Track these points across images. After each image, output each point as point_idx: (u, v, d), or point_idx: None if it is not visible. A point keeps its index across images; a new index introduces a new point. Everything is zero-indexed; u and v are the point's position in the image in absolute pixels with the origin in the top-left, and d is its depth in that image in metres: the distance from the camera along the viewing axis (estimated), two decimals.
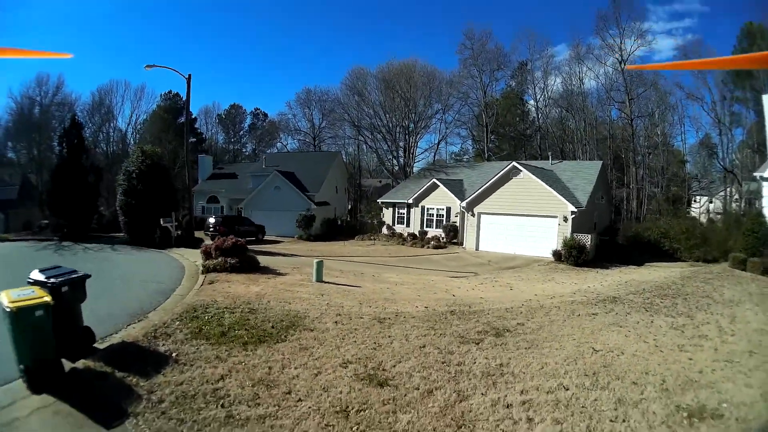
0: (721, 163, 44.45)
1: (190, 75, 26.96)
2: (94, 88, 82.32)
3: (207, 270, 16.19)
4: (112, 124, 60.80)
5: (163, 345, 8.65)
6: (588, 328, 10.81)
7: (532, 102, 58.27)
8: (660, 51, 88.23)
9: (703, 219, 40.11)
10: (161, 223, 25.96)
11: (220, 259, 16.56)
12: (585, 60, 52.65)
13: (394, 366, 7.89)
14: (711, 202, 45.43)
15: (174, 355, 8.19)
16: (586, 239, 23.89)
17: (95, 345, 8.31)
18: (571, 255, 23.03)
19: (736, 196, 41.93)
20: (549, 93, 55.93)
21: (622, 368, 8.20)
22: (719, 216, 38.91)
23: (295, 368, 7.66)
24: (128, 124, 62.07)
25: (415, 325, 10.30)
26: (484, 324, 10.71)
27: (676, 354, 9.00)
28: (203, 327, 9.67)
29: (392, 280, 17.29)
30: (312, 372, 7.53)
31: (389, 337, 9.34)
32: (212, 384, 7.09)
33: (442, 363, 8.11)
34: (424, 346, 8.82)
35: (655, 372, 8.05)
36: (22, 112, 51.14)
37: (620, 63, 48.77)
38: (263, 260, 19.25)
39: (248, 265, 16.82)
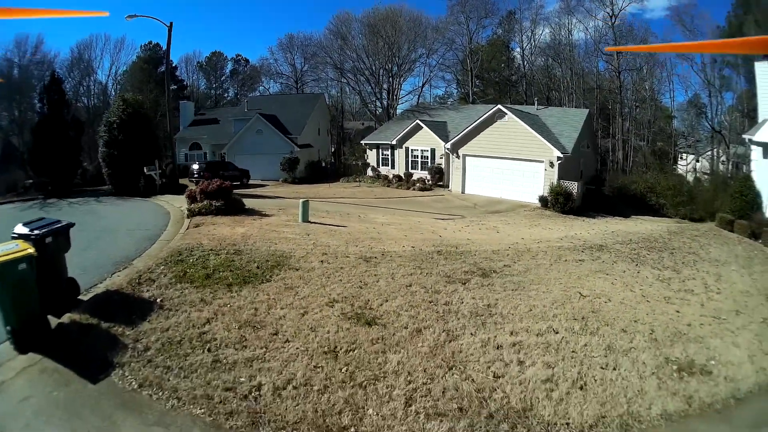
0: (710, 123, 44.01)
1: (171, 23, 26.13)
2: (72, 43, 79.32)
3: (192, 213, 15.95)
4: (92, 78, 58.29)
5: (148, 291, 8.58)
6: (575, 274, 10.90)
7: (518, 50, 56.92)
8: (652, 9, 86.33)
9: (690, 177, 39.81)
10: (145, 171, 25.37)
11: (205, 202, 16.30)
12: (575, 12, 50.91)
13: (381, 305, 7.92)
14: (698, 161, 45.22)
15: (159, 300, 8.15)
16: (573, 186, 23.57)
17: (80, 297, 8.19)
18: (558, 202, 22.79)
19: (723, 158, 41.69)
20: (536, 42, 54.65)
21: (610, 315, 8.31)
22: (706, 176, 38.66)
23: (282, 308, 7.66)
24: (108, 77, 59.60)
25: (401, 264, 10.32)
26: (471, 264, 10.77)
27: (663, 305, 9.05)
28: (188, 270, 9.58)
29: (378, 220, 17.25)
30: (299, 312, 7.54)
31: (375, 275, 9.36)
32: (198, 328, 7.09)
33: (430, 302, 8.16)
34: (410, 285, 8.87)
35: (643, 321, 8.16)
36: (10, 76, 48.81)
37: (611, 17, 47.42)
38: (249, 203, 19.00)
39: (233, 208, 16.60)
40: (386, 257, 10.88)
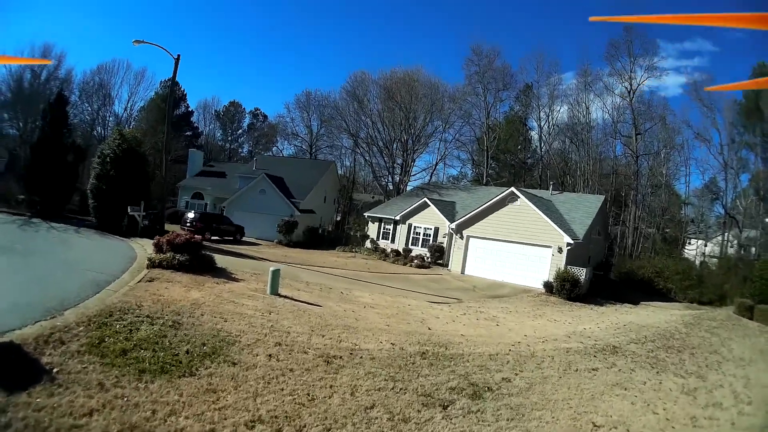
0: (725, 208, 43.13)
1: (179, 56, 25.42)
2: (94, 65, 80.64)
3: (153, 265, 14.13)
4: (109, 109, 58.54)
5: (50, 355, 6.87)
6: (588, 391, 8.92)
7: (535, 129, 56.51)
8: (667, 87, 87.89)
9: (697, 261, 39.41)
10: (128, 211, 24.23)
11: (168, 255, 14.47)
12: (593, 86, 50.71)
13: None
14: (706, 245, 44.21)
15: (54, 371, 6.43)
16: (581, 273, 22.45)
17: None
18: (564, 288, 21.63)
19: (735, 242, 40.88)
20: (554, 120, 54.02)
21: None
22: (714, 259, 38.42)
23: (186, 418, 5.57)
24: (125, 110, 59.70)
25: (371, 371, 8.15)
26: (461, 376, 8.64)
27: (690, 430, 7.56)
28: (106, 338, 7.67)
29: (362, 300, 15.21)
30: (204, 428, 5.44)
31: (331, 387, 7.17)
32: (75, 419, 5.38)
33: None
34: (372, 407, 6.66)
35: None
36: (21, 85, 48.88)
37: (629, 93, 47.03)
38: (226, 261, 17.48)
39: (200, 265, 14.74)
40: (354, 358, 8.74)
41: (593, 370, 10.33)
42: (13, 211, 28.94)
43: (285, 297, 13.06)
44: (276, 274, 13.29)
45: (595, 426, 7.29)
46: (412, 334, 11.28)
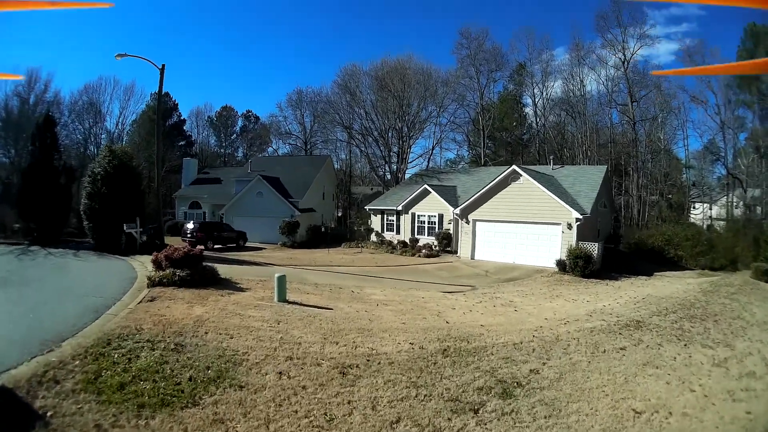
0: (727, 168, 42.57)
1: (163, 65, 24.86)
2: (81, 85, 79.77)
3: (153, 283, 13.56)
4: (101, 126, 57.56)
5: (44, 397, 6.35)
6: (620, 374, 8.44)
7: (530, 105, 55.62)
8: (658, 56, 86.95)
9: (704, 225, 38.80)
10: (125, 229, 23.62)
11: (168, 271, 13.88)
12: (586, 60, 49.90)
13: None
14: (711, 208, 43.69)
15: (48, 415, 5.93)
16: (593, 248, 21.70)
17: None
18: (577, 265, 20.90)
19: (741, 202, 40.15)
20: (548, 95, 53.22)
21: None
22: (721, 222, 37.76)
23: None
24: (116, 125, 58.79)
25: (391, 378, 7.53)
26: (487, 373, 8.04)
27: (730, 405, 7.27)
28: (103, 371, 7.15)
29: (374, 297, 14.61)
30: None
31: (349, 403, 6.54)
32: None
33: None
34: (397, 421, 6.05)
35: None
36: (9, 111, 48.12)
37: (623, 63, 46.46)
38: (230, 271, 16.88)
39: (202, 278, 14.13)
40: (372, 365, 8.12)
41: (621, 349, 9.92)
42: (9, 241, 28.61)
43: (293, 303, 12.47)
44: (282, 280, 12.68)
45: (637, 413, 6.87)
46: (430, 330, 10.69)
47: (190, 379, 6.94)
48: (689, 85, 45.21)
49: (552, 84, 53.38)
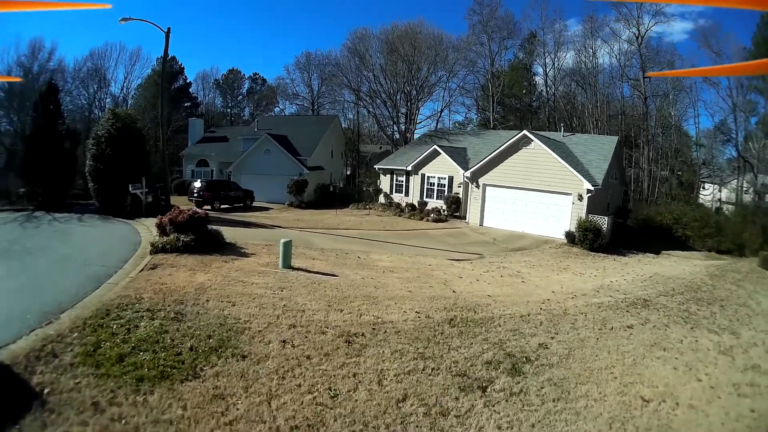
0: (738, 151, 41.54)
1: (169, 29, 24.18)
2: (86, 52, 78.56)
3: (156, 250, 13.31)
4: (106, 90, 56.69)
5: (41, 373, 6.22)
6: (629, 354, 8.35)
7: (541, 74, 54.39)
8: (672, 33, 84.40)
9: (713, 207, 38.26)
10: (130, 190, 23.39)
11: (172, 236, 13.65)
12: (599, 32, 48.54)
13: None
14: (720, 190, 42.95)
15: (45, 392, 5.78)
16: (603, 222, 21.24)
17: None
18: (587, 238, 20.53)
19: (751, 188, 39.25)
20: (560, 65, 51.97)
21: None
22: (730, 206, 37.05)
23: None
24: (122, 90, 57.96)
25: (397, 348, 7.33)
26: (495, 345, 7.84)
27: (735, 401, 7.22)
28: (102, 343, 6.99)
29: (381, 264, 14.39)
30: None
31: (355, 376, 6.34)
32: None
33: None
34: (404, 399, 5.84)
35: None
36: (14, 83, 47.59)
37: (637, 38, 45.21)
38: (235, 234, 16.66)
39: (208, 243, 13.90)
40: (378, 333, 7.91)
41: (628, 327, 9.85)
42: (15, 207, 28.38)
43: (298, 269, 12.24)
44: (287, 246, 12.39)
45: (645, 401, 6.77)
46: (436, 299, 10.47)
47: (190, 348, 6.76)
48: (702, 64, 44.00)
49: (564, 55, 52.10)
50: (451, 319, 8.98)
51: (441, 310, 9.62)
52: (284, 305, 9.02)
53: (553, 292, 12.44)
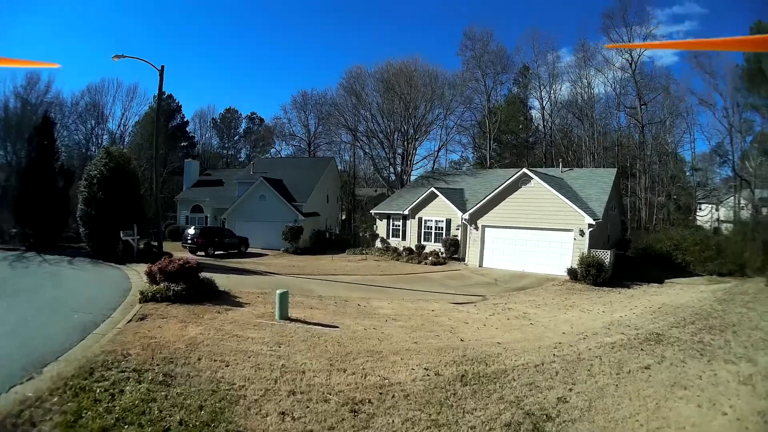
0: (736, 170, 41.74)
1: (162, 67, 24.35)
2: (83, 86, 79.08)
3: (145, 299, 12.73)
4: (103, 126, 56.79)
5: None
6: (650, 398, 7.78)
7: (536, 107, 55.26)
8: (662, 56, 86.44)
9: (710, 227, 38.47)
10: (121, 236, 22.93)
11: (162, 285, 13.05)
12: (592, 61, 49.59)
13: None
14: (717, 209, 43.02)
15: None
16: (605, 256, 20.97)
17: None
18: (590, 273, 20.22)
19: (749, 204, 39.25)
20: (555, 97, 52.88)
21: None
22: (728, 224, 37.15)
23: None
24: (119, 127, 58.02)
25: (408, 416, 6.60)
26: (512, 404, 7.19)
27: (764, 428, 6.99)
28: (84, 412, 6.27)
29: (382, 311, 13.76)
30: None
31: None
32: None
33: None
34: None
35: None
36: (8, 112, 47.19)
37: (630, 64, 46.11)
38: (228, 281, 16.14)
39: (199, 293, 13.29)
40: (386, 399, 7.19)
41: (646, 368, 9.28)
42: (6, 247, 27.86)
43: (296, 320, 11.58)
44: (284, 296, 11.74)
45: None
46: (444, 351, 9.82)
47: (180, 423, 6.02)
48: (697, 88, 45.04)
49: (559, 87, 53.38)
50: (463, 375, 8.33)
51: (450, 364, 8.96)
52: (282, 365, 8.31)
53: (563, 333, 11.92)
